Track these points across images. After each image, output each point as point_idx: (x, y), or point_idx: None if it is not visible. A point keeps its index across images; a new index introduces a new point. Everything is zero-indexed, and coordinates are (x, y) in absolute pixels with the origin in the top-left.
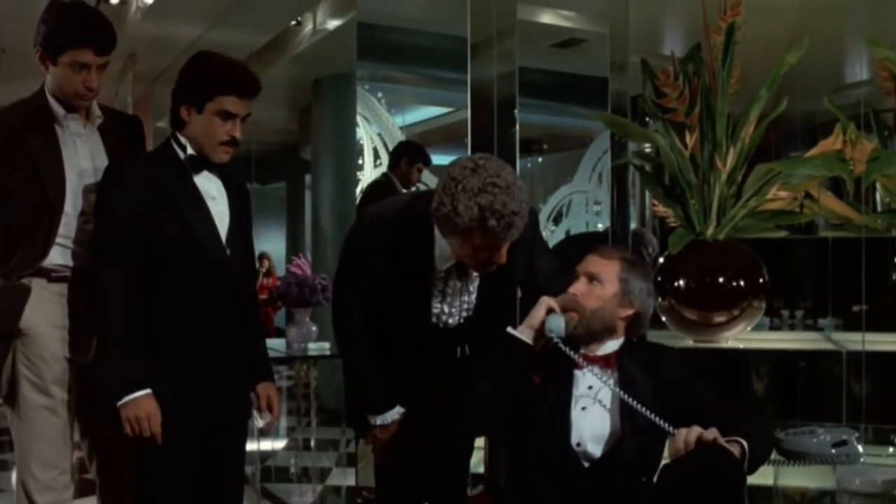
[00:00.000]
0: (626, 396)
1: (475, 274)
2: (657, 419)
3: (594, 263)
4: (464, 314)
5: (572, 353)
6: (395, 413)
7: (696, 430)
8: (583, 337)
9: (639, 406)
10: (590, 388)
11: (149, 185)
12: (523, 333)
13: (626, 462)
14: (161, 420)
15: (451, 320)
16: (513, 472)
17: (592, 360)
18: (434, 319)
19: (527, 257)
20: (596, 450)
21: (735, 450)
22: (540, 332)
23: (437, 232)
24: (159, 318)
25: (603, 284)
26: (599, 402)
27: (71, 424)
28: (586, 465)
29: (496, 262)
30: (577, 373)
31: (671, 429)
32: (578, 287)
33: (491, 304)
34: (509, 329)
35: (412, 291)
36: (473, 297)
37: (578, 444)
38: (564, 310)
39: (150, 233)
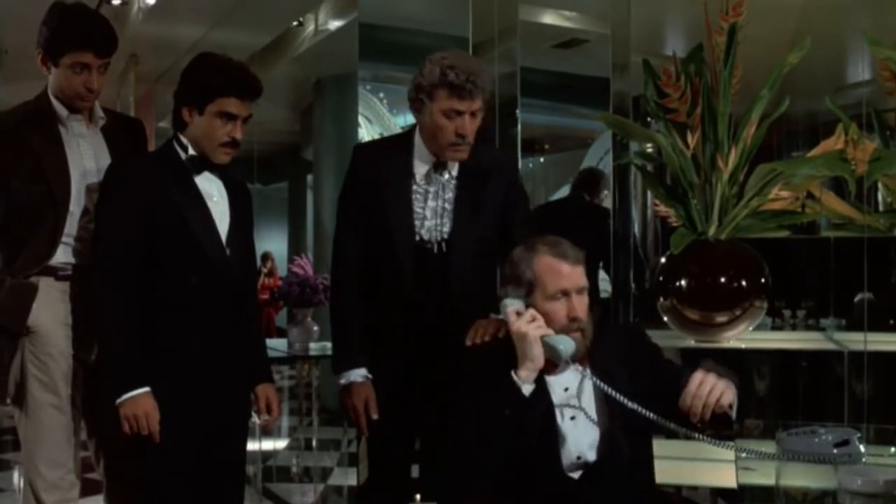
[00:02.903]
0: (614, 393)
1: (451, 175)
2: (645, 411)
3: (580, 276)
4: (445, 226)
5: (581, 368)
6: (359, 375)
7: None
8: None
9: (625, 400)
10: (566, 389)
11: (149, 185)
12: (528, 380)
13: (621, 460)
14: (160, 419)
15: (431, 223)
16: (505, 489)
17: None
18: (418, 227)
19: (504, 191)
20: (591, 456)
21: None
22: (548, 363)
23: (416, 138)
24: (159, 317)
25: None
26: (583, 408)
27: (77, 422)
28: (580, 472)
29: (463, 133)
30: (549, 379)
31: (660, 419)
32: (582, 305)
33: (470, 224)
34: (521, 386)
35: (394, 196)
36: (451, 208)
37: (579, 458)
38: (563, 331)
39: (150, 232)
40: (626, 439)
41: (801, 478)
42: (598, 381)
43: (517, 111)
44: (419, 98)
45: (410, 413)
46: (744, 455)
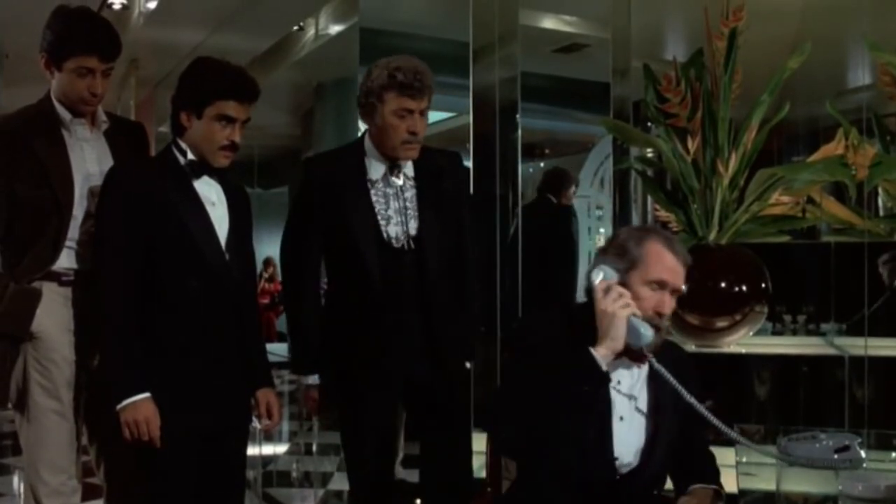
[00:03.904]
0: (682, 390)
1: (407, 176)
2: (710, 416)
3: (682, 277)
4: (410, 224)
5: (643, 364)
6: (317, 379)
7: None
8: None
9: (698, 405)
10: (619, 382)
11: (148, 190)
12: (606, 359)
13: (658, 469)
14: (160, 424)
15: (396, 221)
16: (529, 486)
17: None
18: (384, 226)
19: (456, 198)
20: (628, 459)
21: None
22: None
23: (367, 144)
24: (159, 322)
25: None
26: (637, 409)
27: (78, 428)
28: (617, 477)
29: (415, 131)
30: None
31: (723, 426)
32: (671, 305)
33: (436, 219)
34: (599, 361)
35: (355, 201)
36: (412, 206)
37: (617, 459)
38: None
39: (149, 237)
40: (664, 449)
41: (802, 483)
42: (663, 371)
43: (517, 116)
44: (369, 102)
45: (393, 411)
46: (744, 460)
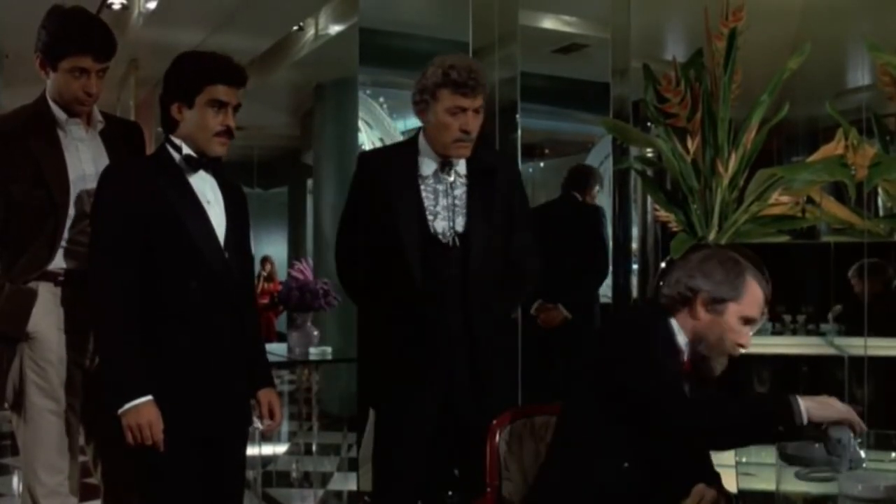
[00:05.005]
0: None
1: (458, 174)
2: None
3: None
4: (458, 222)
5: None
6: None
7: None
8: None
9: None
10: None
11: (144, 189)
12: (798, 416)
13: None
14: (162, 427)
15: (444, 217)
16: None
17: None
18: (431, 221)
19: (509, 188)
20: None
21: None
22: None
23: (421, 140)
24: (158, 323)
25: None
26: None
27: (76, 428)
28: None
29: (468, 129)
30: None
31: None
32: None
33: (484, 218)
34: (796, 411)
35: (404, 195)
36: (462, 204)
37: None
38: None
39: (147, 237)
40: None
41: (801, 483)
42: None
43: (517, 116)
44: (423, 99)
45: (434, 417)
46: (744, 460)
